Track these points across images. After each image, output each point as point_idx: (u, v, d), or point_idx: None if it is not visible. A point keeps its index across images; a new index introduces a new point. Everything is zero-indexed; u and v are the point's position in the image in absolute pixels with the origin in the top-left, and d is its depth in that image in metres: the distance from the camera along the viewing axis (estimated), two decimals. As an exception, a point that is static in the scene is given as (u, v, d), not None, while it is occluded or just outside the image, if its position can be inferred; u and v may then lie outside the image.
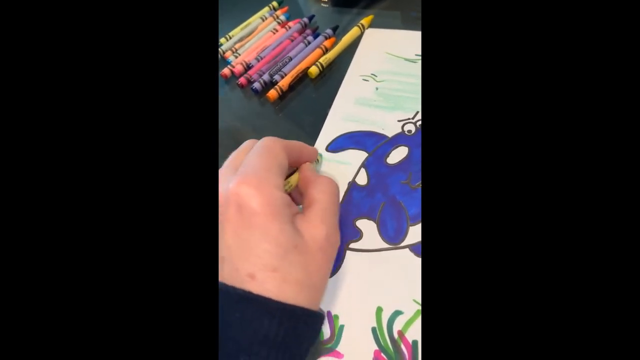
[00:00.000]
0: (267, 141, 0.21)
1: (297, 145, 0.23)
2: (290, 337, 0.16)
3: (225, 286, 0.17)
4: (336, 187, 0.22)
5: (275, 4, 0.42)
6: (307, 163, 0.24)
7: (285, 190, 0.21)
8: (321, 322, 0.20)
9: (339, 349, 0.21)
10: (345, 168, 0.28)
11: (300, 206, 0.23)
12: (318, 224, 0.19)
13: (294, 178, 0.23)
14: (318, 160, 0.27)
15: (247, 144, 0.23)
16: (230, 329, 0.16)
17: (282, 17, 0.41)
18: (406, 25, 0.36)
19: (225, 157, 0.32)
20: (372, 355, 0.21)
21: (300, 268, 0.18)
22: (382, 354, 0.21)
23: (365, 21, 0.37)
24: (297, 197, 0.24)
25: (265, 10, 0.42)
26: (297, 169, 0.24)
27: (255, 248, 0.17)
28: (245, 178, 0.18)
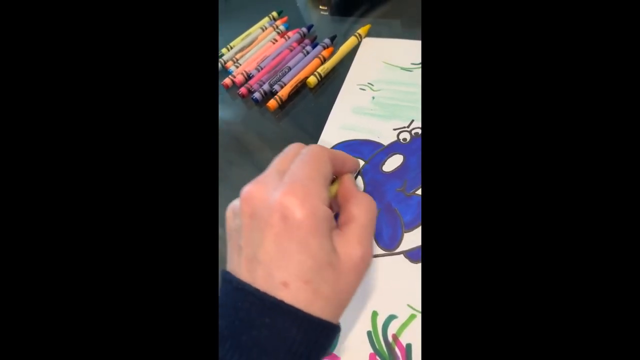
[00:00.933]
0: (315, 149, 0.21)
1: (341, 155, 0.23)
2: (311, 348, 0.17)
3: (259, 292, 0.17)
4: (375, 206, 0.22)
5: (275, 14, 0.44)
6: (349, 174, 0.24)
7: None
8: (337, 335, 0.20)
9: (335, 352, 0.22)
10: (342, 176, 0.29)
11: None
12: (355, 244, 0.19)
13: (334, 187, 0.23)
14: (359, 169, 0.27)
15: (292, 148, 0.22)
16: (258, 333, 0.16)
17: (282, 27, 0.42)
18: (403, 34, 0.37)
19: (228, 164, 0.33)
20: (367, 359, 0.22)
21: (331, 284, 0.18)
22: (377, 357, 0.22)
23: (362, 30, 0.37)
24: (333, 206, 0.24)
25: (265, 21, 0.43)
26: (337, 178, 0.24)
27: (292, 258, 0.17)
28: (291, 188, 0.18)
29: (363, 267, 0.20)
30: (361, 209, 0.21)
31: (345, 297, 0.19)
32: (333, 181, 0.24)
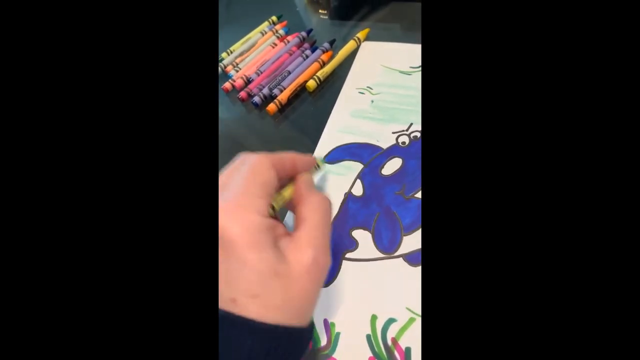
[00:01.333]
0: (252, 159, 0.21)
1: (289, 157, 0.23)
2: (274, 355, 0.17)
3: None
4: (328, 205, 0.22)
5: (274, 18, 0.44)
6: (303, 175, 0.23)
7: (275, 206, 0.21)
8: (307, 336, 0.20)
9: (335, 355, 0.22)
10: (341, 179, 0.29)
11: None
12: (304, 248, 0.19)
13: (287, 191, 0.23)
14: (319, 166, 0.26)
15: (236, 162, 0.22)
16: (219, 348, 0.16)
17: (281, 32, 0.42)
18: (401, 37, 0.37)
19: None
20: (367, 362, 0.22)
21: (281, 293, 0.18)
22: (376, 361, 0.22)
23: (361, 34, 0.38)
24: (293, 208, 0.24)
25: (265, 25, 0.44)
26: (292, 180, 0.24)
27: (235, 276, 0.17)
28: (225, 206, 0.18)
29: (316, 269, 0.19)
30: (311, 210, 0.21)
31: (301, 303, 0.19)
32: (289, 184, 0.23)
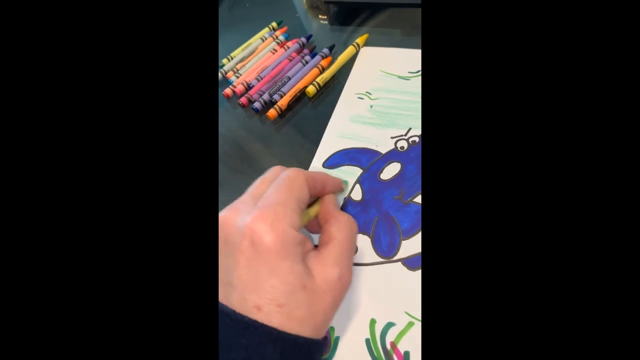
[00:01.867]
0: (291, 173, 0.22)
1: (321, 176, 0.24)
2: None
3: (235, 313, 0.18)
4: (355, 226, 0.23)
5: (274, 24, 0.44)
6: (330, 195, 0.24)
7: (303, 221, 0.21)
8: (322, 348, 0.20)
9: (335, 359, 0.22)
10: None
11: (317, 237, 0.23)
12: (331, 265, 0.20)
13: (313, 209, 0.23)
14: (343, 189, 0.27)
15: (271, 172, 0.23)
16: (236, 355, 0.17)
17: (281, 37, 0.42)
18: (400, 43, 0.38)
19: (229, 172, 0.34)
20: (366, 366, 0.22)
21: (306, 307, 0.18)
22: (375, 365, 0.22)
23: (360, 40, 0.38)
24: (315, 226, 0.25)
25: (265, 31, 0.44)
26: (318, 198, 0.24)
27: (264, 283, 0.18)
28: (262, 214, 0.19)
29: (340, 287, 0.20)
30: (339, 229, 0.21)
31: (322, 318, 0.19)
32: (314, 203, 0.24)
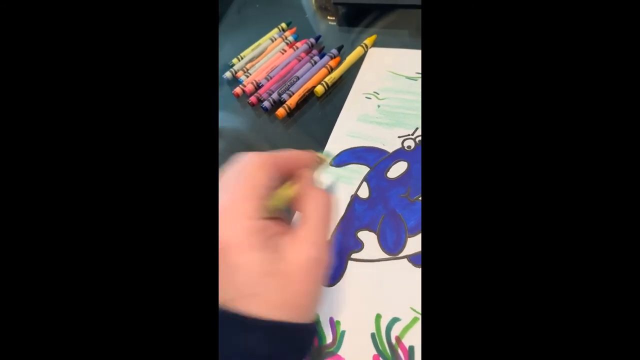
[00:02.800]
0: (244, 161, 0.21)
1: (286, 155, 0.22)
2: (279, 351, 0.18)
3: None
4: (327, 200, 0.21)
5: (284, 25, 0.45)
6: (306, 172, 0.23)
7: (272, 205, 0.21)
8: (312, 333, 0.20)
9: (340, 353, 0.23)
10: (348, 182, 0.30)
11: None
12: (303, 244, 0.19)
13: (288, 190, 0.22)
14: (321, 160, 0.25)
15: (235, 161, 0.21)
16: (221, 348, 0.17)
17: (291, 38, 0.43)
18: (408, 44, 0.38)
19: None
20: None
21: (278, 292, 0.18)
22: (380, 359, 0.22)
23: (368, 41, 0.39)
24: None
25: (274, 32, 0.45)
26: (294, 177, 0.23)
27: (231, 280, 0.18)
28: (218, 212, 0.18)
29: (313, 266, 0.19)
30: (311, 206, 0.21)
31: (301, 300, 0.19)
32: (289, 183, 0.23)
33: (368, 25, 0.42)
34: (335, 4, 0.44)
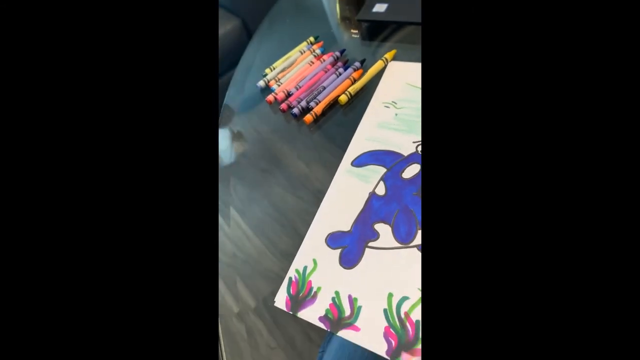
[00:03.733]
0: None
1: None
2: None
3: None
4: None
5: (312, 39, 0.50)
6: None
7: None
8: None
9: (357, 324, 0.27)
10: (367, 180, 0.34)
11: None
12: None
13: None
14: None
15: None
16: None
17: (318, 51, 0.48)
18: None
19: (260, 172, 0.39)
20: (383, 330, 0.26)
21: None
22: (391, 330, 0.26)
23: (388, 55, 0.43)
24: None
25: (303, 45, 0.49)
26: None
27: None
28: None
29: None
30: None
31: None
32: None
33: (388, 38, 0.46)
34: (359, 20, 0.49)
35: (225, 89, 0.51)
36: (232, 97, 0.50)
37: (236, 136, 0.45)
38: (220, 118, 0.48)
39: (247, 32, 0.98)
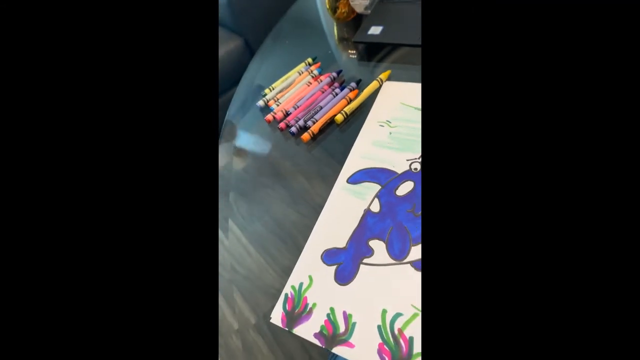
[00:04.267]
0: None
1: None
2: None
3: None
4: None
5: (310, 60, 0.51)
6: None
7: None
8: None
9: (351, 340, 0.27)
10: (362, 197, 0.35)
11: None
12: None
13: None
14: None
15: None
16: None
17: (315, 72, 0.49)
18: (418, 78, 0.43)
19: (262, 187, 0.40)
20: (377, 347, 0.27)
21: None
22: (384, 346, 0.26)
23: (383, 75, 0.44)
24: None
25: (301, 66, 0.51)
26: None
27: None
28: None
29: None
30: None
31: None
32: None
33: (383, 59, 0.48)
34: (355, 42, 0.50)
35: (227, 106, 0.53)
36: (234, 114, 0.51)
37: (237, 152, 0.46)
38: (221, 134, 0.49)
39: (250, 52, 1.01)
